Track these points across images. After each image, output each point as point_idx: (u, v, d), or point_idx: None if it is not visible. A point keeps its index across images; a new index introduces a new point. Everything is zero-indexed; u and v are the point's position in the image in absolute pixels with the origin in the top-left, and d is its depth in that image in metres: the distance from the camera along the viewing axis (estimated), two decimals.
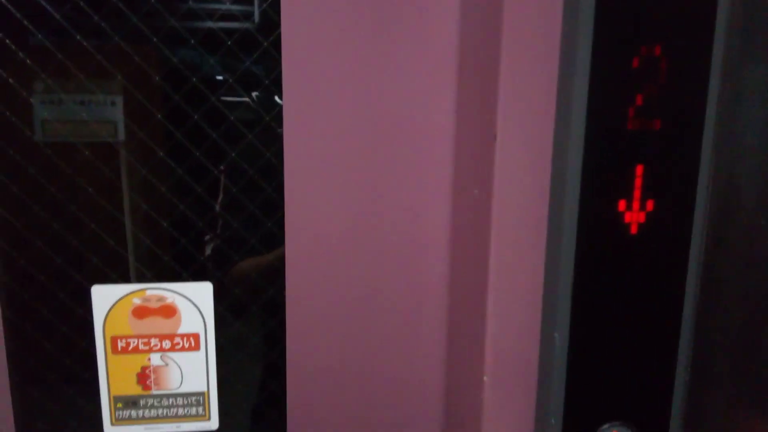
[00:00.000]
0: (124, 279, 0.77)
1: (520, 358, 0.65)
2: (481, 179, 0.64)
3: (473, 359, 0.67)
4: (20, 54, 0.70)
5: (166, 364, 0.76)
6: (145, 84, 0.74)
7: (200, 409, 0.78)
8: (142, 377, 0.76)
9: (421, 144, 0.73)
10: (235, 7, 0.74)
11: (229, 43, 0.74)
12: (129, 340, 0.75)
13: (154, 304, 0.75)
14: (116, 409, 0.77)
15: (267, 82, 0.76)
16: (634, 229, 0.60)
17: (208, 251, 0.81)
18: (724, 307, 0.69)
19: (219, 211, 0.79)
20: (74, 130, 0.73)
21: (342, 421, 0.80)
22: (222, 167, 0.78)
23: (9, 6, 0.69)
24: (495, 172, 0.60)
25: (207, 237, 0.80)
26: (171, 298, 0.75)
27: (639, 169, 0.58)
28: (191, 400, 0.77)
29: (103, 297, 0.74)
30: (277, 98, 0.76)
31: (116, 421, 0.77)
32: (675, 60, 0.56)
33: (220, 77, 0.75)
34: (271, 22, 0.73)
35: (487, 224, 0.62)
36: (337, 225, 0.74)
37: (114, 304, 0.74)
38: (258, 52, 0.74)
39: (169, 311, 0.75)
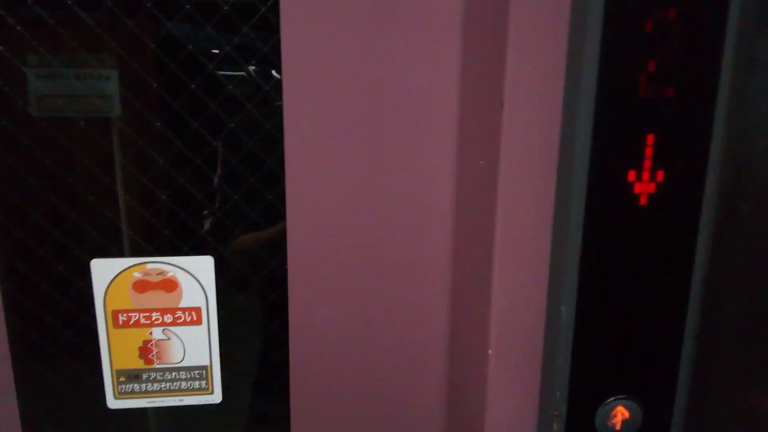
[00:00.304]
0: (124, 253, 0.77)
1: (525, 332, 0.64)
2: (487, 149, 0.62)
3: (478, 332, 0.67)
4: (14, 27, 0.68)
5: (168, 338, 0.75)
6: (141, 57, 0.72)
7: (203, 382, 0.78)
8: (145, 351, 0.75)
9: (424, 112, 0.71)
10: None
11: (227, 15, 0.72)
12: (130, 314, 0.74)
13: (154, 278, 0.74)
14: (119, 383, 0.77)
15: (265, 49, 0.74)
16: (643, 200, 0.59)
17: (207, 225, 0.80)
18: (733, 282, 0.68)
19: (219, 184, 0.78)
20: (70, 105, 0.72)
21: (345, 393, 0.80)
22: (221, 141, 0.76)
23: None
24: (501, 142, 0.59)
25: (206, 212, 0.79)
26: (172, 271, 0.74)
27: (650, 138, 0.57)
28: (194, 374, 0.77)
29: (103, 271, 0.73)
30: (274, 72, 0.74)
31: (119, 394, 0.77)
32: (689, 24, 0.54)
33: (216, 50, 0.74)
34: None
35: (493, 195, 0.61)
36: (339, 195, 0.73)
37: (114, 278, 0.73)
38: (255, 21, 0.72)
39: (170, 285, 0.74)
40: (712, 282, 0.64)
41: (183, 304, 0.75)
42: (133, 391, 0.77)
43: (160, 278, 0.74)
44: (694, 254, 0.61)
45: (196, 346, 0.76)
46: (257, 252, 0.80)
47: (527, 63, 0.57)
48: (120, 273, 0.73)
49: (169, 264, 0.74)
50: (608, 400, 0.64)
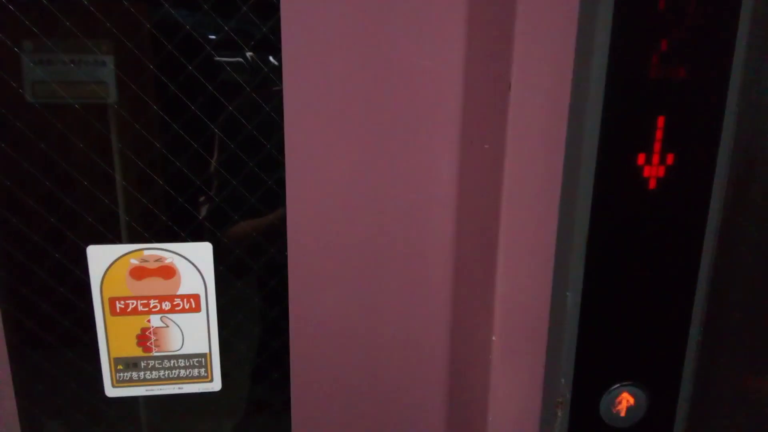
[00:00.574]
0: (121, 239, 0.75)
1: (530, 318, 0.63)
2: (492, 132, 0.61)
3: (482, 318, 0.66)
4: (9, 12, 0.67)
5: (167, 326, 0.74)
6: (137, 43, 0.71)
7: (202, 370, 0.77)
8: (143, 339, 0.74)
9: (428, 95, 0.69)
10: None
11: (227, 1, 0.70)
12: (128, 301, 0.73)
13: (152, 265, 0.72)
14: (117, 371, 0.76)
15: (265, 29, 0.72)
16: (652, 184, 0.57)
17: (205, 212, 0.78)
18: (741, 267, 0.67)
19: (218, 170, 0.77)
20: (65, 91, 0.71)
21: (346, 381, 0.79)
22: (219, 126, 0.75)
23: None
24: (508, 125, 0.57)
25: (202, 198, 0.77)
26: (169, 258, 0.73)
27: (660, 121, 0.55)
28: (193, 362, 0.76)
29: (99, 257, 0.71)
30: (272, 58, 0.72)
31: (117, 383, 0.76)
32: (703, 2, 0.52)
33: (213, 36, 0.72)
34: None
35: (498, 179, 0.60)
36: (340, 180, 0.72)
37: (110, 265, 0.72)
38: (254, 5, 0.71)
39: (167, 272, 0.73)
40: (720, 268, 0.63)
41: (181, 291, 0.73)
42: (131, 380, 0.76)
43: (157, 265, 0.72)
44: (703, 240, 0.60)
45: (195, 333, 0.75)
46: (256, 239, 0.79)
47: (535, 42, 0.55)
48: (117, 260, 0.72)
49: (166, 250, 0.73)
50: (613, 387, 0.63)
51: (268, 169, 0.76)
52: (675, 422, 0.65)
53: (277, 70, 0.71)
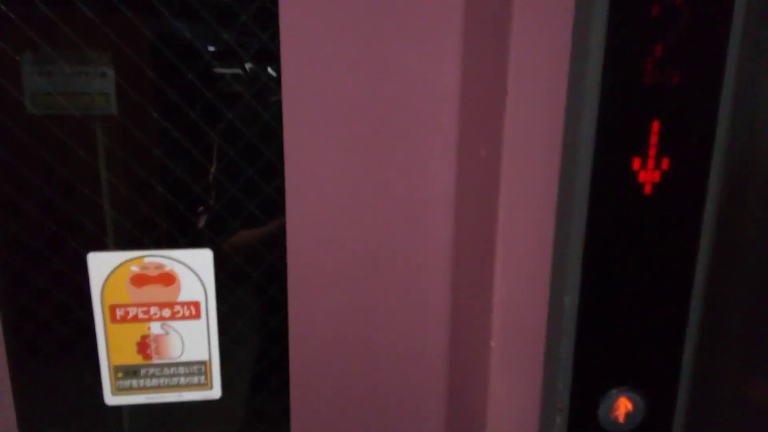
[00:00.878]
0: (121, 246, 0.76)
1: (528, 323, 0.64)
2: (489, 137, 0.61)
3: (480, 324, 0.66)
4: (10, 24, 0.68)
5: (167, 333, 0.74)
6: (137, 54, 0.71)
7: (202, 378, 0.77)
8: (143, 346, 0.74)
9: (425, 101, 0.70)
10: None
11: (225, 11, 0.71)
12: (128, 308, 0.73)
13: (152, 272, 0.73)
14: (117, 378, 0.76)
15: (264, 37, 0.73)
16: (648, 189, 0.58)
17: (203, 222, 0.79)
18: (737, 272, 0.67)
19: (217, 177, 0.77)
20: (66, 103, 0.72)
21: (344, 388, 0.79)
22: (219, 134, 0.75)
23: None
24: (505, 130, 0.58)
25: (201, 208, 0.78)
26: (170, 265, 0.73)
27: (655, 126, 0.56)
28: (193, 369, 0.76)
29: (100, 264, 0.72)
30: (270, 68, 0.73)
31: (117, 390, 0.76)
32: (696, 9, 0.53)
33: (212, 48, 0.73)
34: None
35: (495, 184, 0.60)
36: (338, 188, 0.72)
37: (111, 272, 0.72)
38: (253, 15, 0.72)
39: (168, 279, 0.73)
40: (716, 271, 0.64)
41: (182, 298, 0.74)
42: (131, 387, 0.76)
43: (158, 272, 0.73)
44: (699, 244, 0.61)
45: (195, 340, 0.75)
46: (256, 247, 0.79)
47: (531, 48, 0.56)
48: (117, 267, 0.72)
49: (167, 257, 0.73)
50: (611, 392, 0.63)
51: (267, 177, 0.77)
52: (673, 427, 0.65)
53: (276, 80, 0.72)
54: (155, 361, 0.75)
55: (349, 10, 0.67)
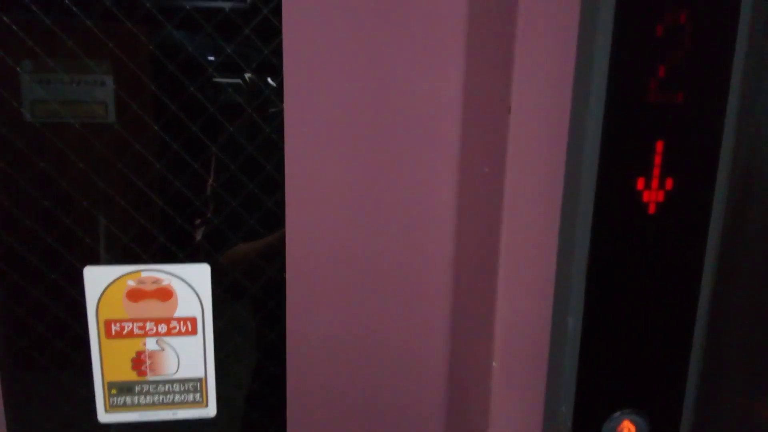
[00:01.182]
0: (118, 260, 0.75)
1: (530, 344, 0.63)
2: (492, 156, 0.61)
3: (482, 344, 0.65)
4: (9, 31, 0.67)
5: (162, 349, 0.73)
6: (137, 63, 0.71)
7: (197, 395, 0.76)
8: (137, 362, 0.73)
9: (427, 117, 0.70)
10: None
11: (226, 22, 0.71)
12: (123, 323, 0.72)
13: (149, 287, 0.72)
14: (110, 395, 0.74)
15: (266, 51, 0.72)
16: (652, 209, 0.57)
17: (204, 233, 0.78)
18: (742, 292, 0.67)
19: (216, 190, 0.77)
20: (64, 111, 0.71)
21: (343, 406, 0.78)
22: (219, 146, 0.75)
23: None
24: (508, 148, 0.57)
25: (198, 221, 0.77)
26: (167, 280, 0.72)
27: (659, 146, 0.56)
28: (188, 387, 0.75)
29: (96, 279, 0.71)
30: (269, 79, 0.73)
31: (110, 407, 0.75)
32: (700, 28, 0.53)
33: (212, 57, 0.73)
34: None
35: (498, 204, 0.60)
36: (340, 202, 0.71)
37: (107, 287, 0.71)
38: (256, 26, 0.72)
39: (164, 294, 0.72)
40: (720, 292, 0.63)
41: (178, 313, 0.73)
42: (125, 404, 0.75)
43: (155, 287, 0.72)
44: (704, 264, 0.60)
45: (191, 357, 0.74)
46: (255, 261, 0.78)
47: (535, 66, 0.55)
48: (114, 281, 0.71)
49: (164, 272, 0.72)
50: (615, 415, 0.62)
51: (267, 190, 0.76)
52: None
53: (278, 92, 0.71)
54: (150, 377, 0.74)
55: (351, 23, 0.67)
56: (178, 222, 0.75)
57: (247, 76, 0.74)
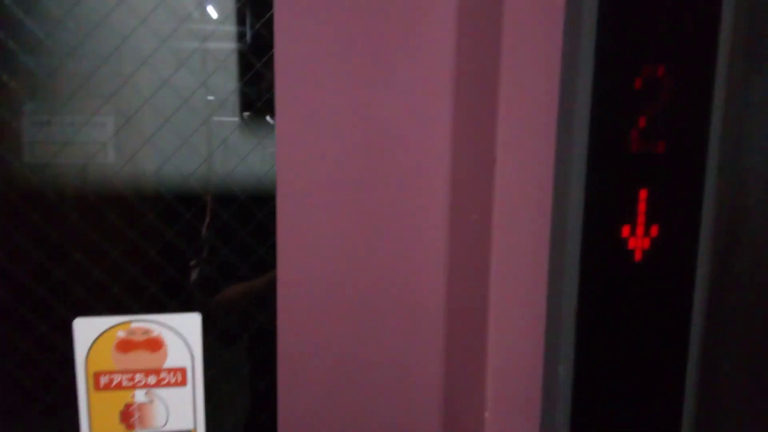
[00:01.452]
0: (107, 311, 0.74)
1: (522, 393, 0.62)
2: (480, 204, 0.61)
3: (473, 393, 0.64)
4: (7, 76, 0.69)
5: (151, 401, 0.72)
6: (135, 105, 0.72)
7: None
8: (126, 415, 0.72)
9: (416, 167, 0.71)
10: (228, 28, 0.73)
11: (221, 63, 0.73)
12: (112, 375, 0.71)
13: (139, 337, 0.71)
14: None
15: (259, 103, 0.74)
16: (638, 256, 0.58)
17: (195, 274, 0.78)
18: (732, 337, 0.67)
19: (208, 237, 0.77)
20: (63, 152, 0.72)
21: None
22: (212, 191, 0.76)
23: None
24: (495, 197, 0.58)
25: (193, 261, 0.77)
26: (157, 330, 0.72)
27: (643, 194, 0.56)
28: None
29: (86, 330, 0.70)
30: (268, 118, 0.74)
31: None
32: (678, 80, 0.54)
33: (211, 97, 0.74)
34: (264, 42, 0.72)
35: (486, 251, 0.60)
36: (331, 250, 0.72)
37: (97, 338, 0.71)
38: (251, 72, 0.74)
39: (154, 345, 0.71)
40: (710, 337, 0.63)
41: (168, 364, 0.72)
42: None
43: (144, 337, 0.71)
44: (692, 309, 0.60)
45: (181, 408, 0.73)
46: (245, 305, 0.78)
47: (519, 118, 0.57)
48: (103, 332, 0.71)
49: (154, 322, 0.71)
50: None
51: (259, 238, 0.76)
52: None
53: (272, 137, 0.73)
54: (138, 431, 0.73)
55: (341, 69, 0.68)
56: (169, 271, 0.75)
57: (246, 114, 0.75)
